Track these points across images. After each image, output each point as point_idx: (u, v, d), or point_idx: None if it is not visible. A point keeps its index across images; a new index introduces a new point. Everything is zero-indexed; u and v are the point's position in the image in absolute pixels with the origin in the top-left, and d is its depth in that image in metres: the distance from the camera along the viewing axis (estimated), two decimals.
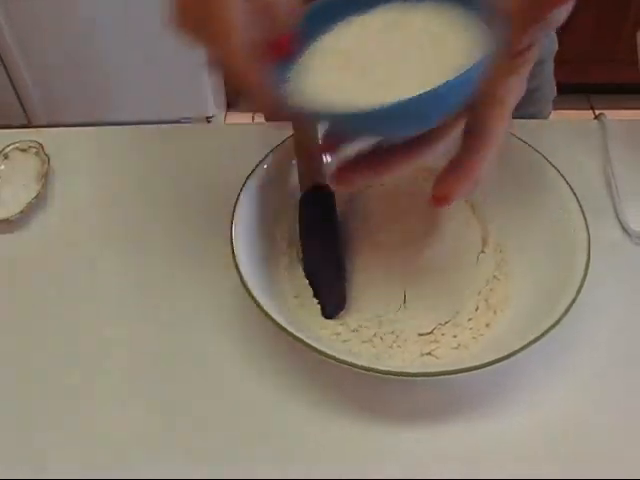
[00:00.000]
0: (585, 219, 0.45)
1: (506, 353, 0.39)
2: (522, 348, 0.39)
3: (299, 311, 0.45)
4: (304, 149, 0.50)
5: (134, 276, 0.52)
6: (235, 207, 0.46)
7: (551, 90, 0.74)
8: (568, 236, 0.46)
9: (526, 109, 0.66)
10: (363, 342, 0.44)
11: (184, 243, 0.53)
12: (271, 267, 0.47)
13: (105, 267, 0.52)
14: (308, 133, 0.49)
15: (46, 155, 0.58)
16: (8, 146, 0.59)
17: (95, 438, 0.43)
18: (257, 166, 0.49)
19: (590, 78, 1.88)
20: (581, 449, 0.42)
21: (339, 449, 0.42)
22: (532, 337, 0.40)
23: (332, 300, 0.45)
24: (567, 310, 0.41)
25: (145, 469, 0.41)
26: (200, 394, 0.44)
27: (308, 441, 0.42)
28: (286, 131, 0.51)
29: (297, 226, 0.48)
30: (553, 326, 0.40)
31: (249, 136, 0.61)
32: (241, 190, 0.47)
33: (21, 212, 0.55)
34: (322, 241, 0.46)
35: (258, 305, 0.41)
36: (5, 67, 1.69)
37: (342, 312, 0.46)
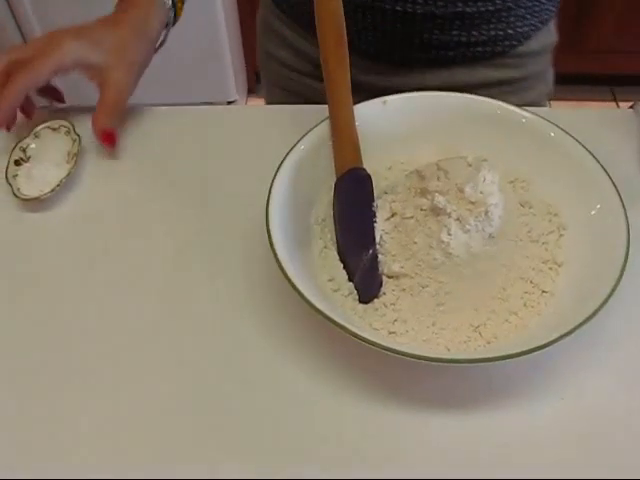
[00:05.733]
0: (625, 212, 0.45)
1: (540, 344, 0.39)
2: (560, 337, 0.39)
3: (333, 295, 0.45)
4: (341, 131, 0.49)
5: (164, 256, 0.51)
6: (270, 189, 0.46)
7: (546, 83, 0.74)
8: (607, 228, 0.45)
9: (522, 97, 0.67)
10: (397, 326, 0.44)
11: (218, 224, 0.53)
12: (305, 251, 0.47)
13: (135, 246, 0.52)
14: (345, 114, 0.49)
15: (77, 135, 0.58)
16: (39, 125, 0.59)
17: (104, 426, 0.43)
18: (292, 148, 0.48)
19: (613, 69, 1.85)
20: (610, 440, 0.41)
21: (365, 433, 0.42)
22: (570, 327, 0.39)
23: (367, 285, 0.44)
24: (602, 305, 0.40)
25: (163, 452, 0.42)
26: (229, 378, 0.44)
27: (337, 424, 0.42)
28: (321, 113, 0.50)
29: (332, 210, 0.48)
30: (590, 317, 0.40)
31: (279, 118, 0.60)
32: (276, 172, 0.47)
33: (52, 191, 0.55)
34: (358, 225, 0.46)
35: (295, 288, 0.40)
36: None
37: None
